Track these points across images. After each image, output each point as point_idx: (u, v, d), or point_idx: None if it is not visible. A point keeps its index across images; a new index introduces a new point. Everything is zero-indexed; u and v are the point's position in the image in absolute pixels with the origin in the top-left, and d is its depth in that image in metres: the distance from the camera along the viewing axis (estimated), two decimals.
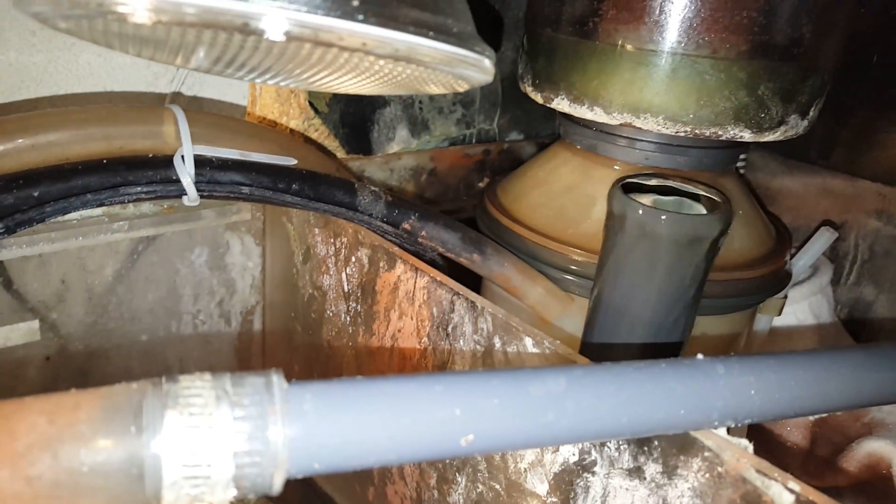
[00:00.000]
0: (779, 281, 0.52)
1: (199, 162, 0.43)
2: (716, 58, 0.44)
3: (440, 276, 0.41)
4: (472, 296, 0.40)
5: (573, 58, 0.48)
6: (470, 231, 0.49)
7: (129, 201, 0.41)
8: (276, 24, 0.20)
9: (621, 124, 0.47)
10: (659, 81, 0.45)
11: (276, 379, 0.23)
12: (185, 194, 0.42)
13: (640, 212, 0.40)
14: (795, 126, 0.47)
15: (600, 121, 0.48)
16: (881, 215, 0.65)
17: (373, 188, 0.47)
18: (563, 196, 0.52)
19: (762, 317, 0.58)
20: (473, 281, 0.51)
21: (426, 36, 0.22)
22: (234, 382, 0.23)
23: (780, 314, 0.57)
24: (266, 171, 0.45)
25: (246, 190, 0.44)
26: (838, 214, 0.68)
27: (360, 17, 0.20)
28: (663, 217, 0.39)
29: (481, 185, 0.72)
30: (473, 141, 0.71)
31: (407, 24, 0.21)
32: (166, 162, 0.42)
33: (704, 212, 0.43)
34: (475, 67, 0.25)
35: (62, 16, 0.22)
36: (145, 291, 0.54)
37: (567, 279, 0.49)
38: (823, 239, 0.58)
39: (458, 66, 0.24)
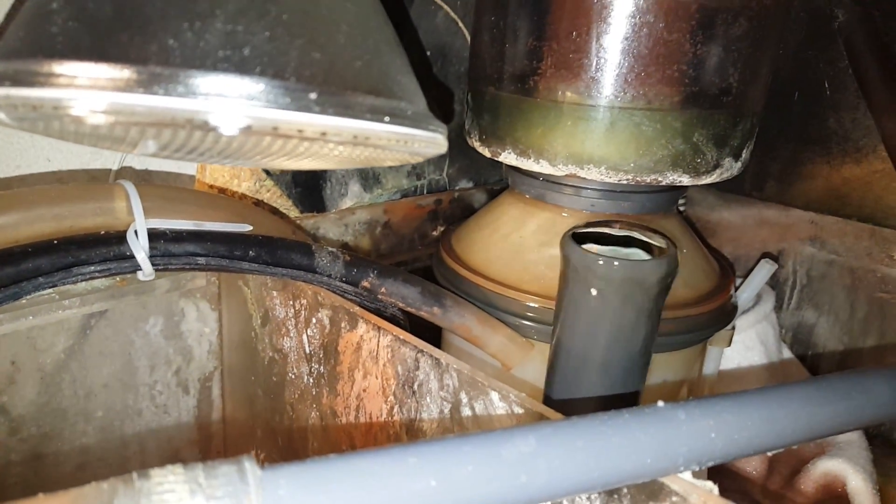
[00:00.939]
0: (726, 314, 0.54)
1: (153, 235, 0.43)
2: (651, 109, 0.46)
3: (403, 335, 0.42)
4: (437, 352, 0.40)
5: (517, 114, 0.49)
6: (429, 285, 0.49)
7: (82, 280, 0.40)
8: (234, 121, 0.21)
9: (566, 175, 0.49)
10: (599, 133, 0.47)
11: (249, 466, 0.23)
12: (140, 269, 0.42)
13: (591, 259, 0.41)
14: (730, 168, 0.50)
15: (546, 172, 0.50)
16: (815, 242, 0.69)
17: (330, 249, 0.48)
18: (516, 245, 0.54)
19: (713, 348, 0.60)
20: (434, 332, 0.52)
21: (382, 121, 0.23)
22: (206, 474, 0.22)
23: (729, 344, 0.59)
24: (221, 240, 0.45)
25: (202, 260, 0.44)
26: (775, 243, 0.71)
27: (318, 108, 0.21)
28: (614, 264, 0.41)
29: (435, 234, 0.73)
30: (425, 191, 0.73)
31: (363, 111, 0.22)
32: (119, 238, 0.41)
33: (652, 256, 0.44)
34: (429, 144, 0.26)
35: (17, 118, 0.22)
36: (99, 366, 0.53)
37: (526, 325, 0.50)
38: (764, 271, 0.61)
39: (414, 145, 0.25)
